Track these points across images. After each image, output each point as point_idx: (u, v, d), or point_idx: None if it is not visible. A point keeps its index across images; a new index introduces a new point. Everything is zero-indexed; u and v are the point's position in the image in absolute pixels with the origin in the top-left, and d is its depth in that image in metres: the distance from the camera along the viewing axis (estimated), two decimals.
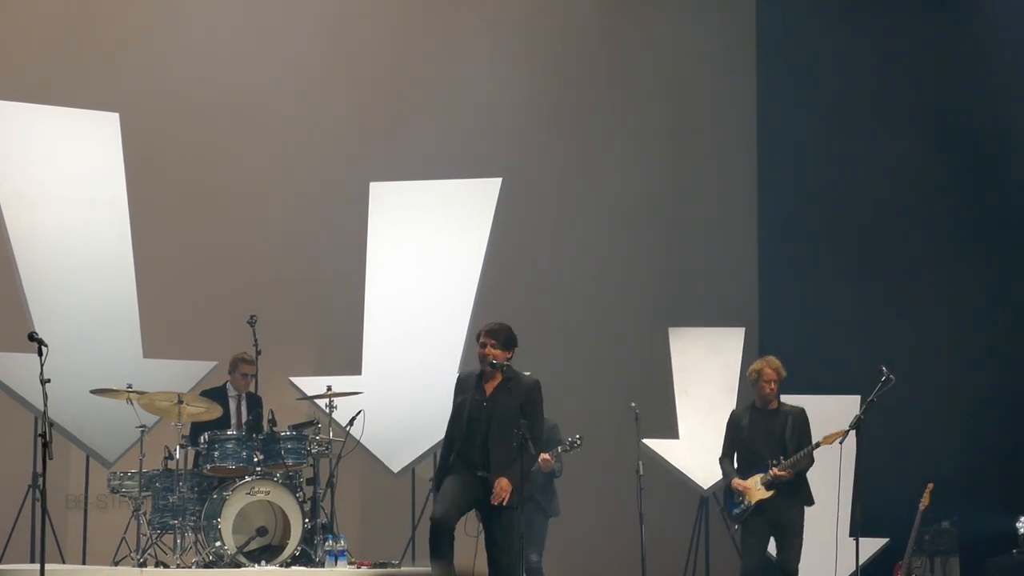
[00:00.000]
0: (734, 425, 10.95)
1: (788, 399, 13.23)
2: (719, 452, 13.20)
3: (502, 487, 9.22)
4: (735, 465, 10.85)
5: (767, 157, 15.44)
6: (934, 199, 14.35)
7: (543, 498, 11.03)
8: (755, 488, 10.63)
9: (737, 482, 10.71)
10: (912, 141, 14.31)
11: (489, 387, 9.50)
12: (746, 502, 10.68)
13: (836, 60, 15.07)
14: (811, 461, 10.72)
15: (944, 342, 13.81)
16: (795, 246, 14.51)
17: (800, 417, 10.81)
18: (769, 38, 15.65)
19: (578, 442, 11.02)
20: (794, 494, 10.60)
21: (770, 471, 10.59)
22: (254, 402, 12.41)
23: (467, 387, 9.57)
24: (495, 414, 9.38)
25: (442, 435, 13.12)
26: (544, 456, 10.77)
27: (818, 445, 10.68)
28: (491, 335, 9.49)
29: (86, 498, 12.74)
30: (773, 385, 10.84)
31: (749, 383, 11.04)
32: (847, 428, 10.56)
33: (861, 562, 10.88)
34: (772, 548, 10.90)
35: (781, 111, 15.18)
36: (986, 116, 14.23)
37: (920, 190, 14.32)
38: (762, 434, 10.73)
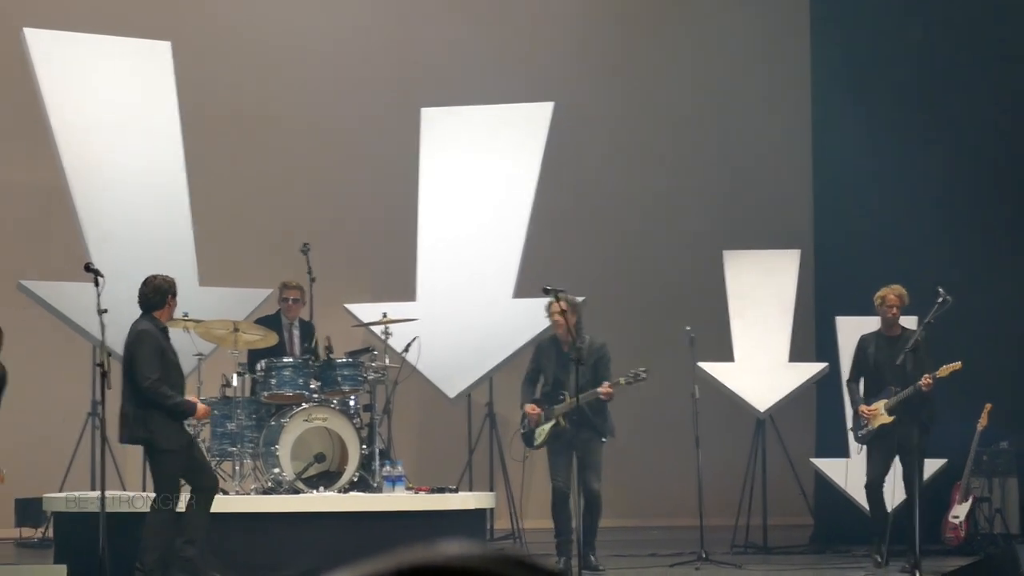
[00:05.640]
0: (861, 351, 11.68)
1: (843, 321, 13.20)
2: (774, 374, 13.25)
3: None
4: (862, 388, 11.64)
5: (823, 77, 15.23)
6: (988, 123, 14.09)
7: (597, 420, 10.98)
8: (879, 413, 11.37)
9: (863, 408, 11.50)
10: (989, 67, 13.99)
11: None
12: (870, 426, 11.46)
13: None
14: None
15: (1005, 263, 13.64)
16: (852, 168, 14.32)
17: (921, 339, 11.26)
18: None
19: (643, 375, 10.96)
20: (915, 417, 11.11)
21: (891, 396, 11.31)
22: (307, 329, 12.44)
23: None
24: None
25: (497, 361, 13.27)
26: (605, 389, 10.81)
27: (935, 376, 11.12)
28: None
29: None
30: (895, 310, 11.50)
31: (876, 309, 11.64)
32: (959, 363, 11.10)
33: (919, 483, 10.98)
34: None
35: (839, 34, 14.92)
36: None
37: (973, 117, 14.05)
38: (886, 360, 11.37)
